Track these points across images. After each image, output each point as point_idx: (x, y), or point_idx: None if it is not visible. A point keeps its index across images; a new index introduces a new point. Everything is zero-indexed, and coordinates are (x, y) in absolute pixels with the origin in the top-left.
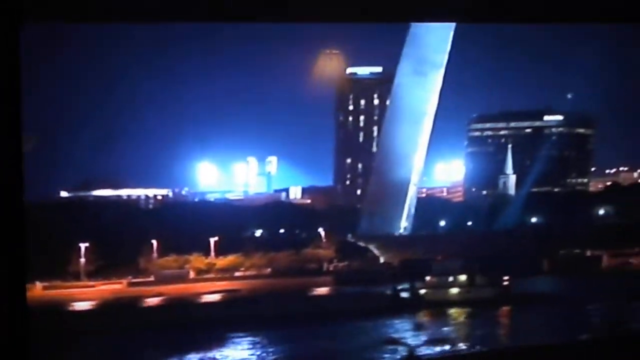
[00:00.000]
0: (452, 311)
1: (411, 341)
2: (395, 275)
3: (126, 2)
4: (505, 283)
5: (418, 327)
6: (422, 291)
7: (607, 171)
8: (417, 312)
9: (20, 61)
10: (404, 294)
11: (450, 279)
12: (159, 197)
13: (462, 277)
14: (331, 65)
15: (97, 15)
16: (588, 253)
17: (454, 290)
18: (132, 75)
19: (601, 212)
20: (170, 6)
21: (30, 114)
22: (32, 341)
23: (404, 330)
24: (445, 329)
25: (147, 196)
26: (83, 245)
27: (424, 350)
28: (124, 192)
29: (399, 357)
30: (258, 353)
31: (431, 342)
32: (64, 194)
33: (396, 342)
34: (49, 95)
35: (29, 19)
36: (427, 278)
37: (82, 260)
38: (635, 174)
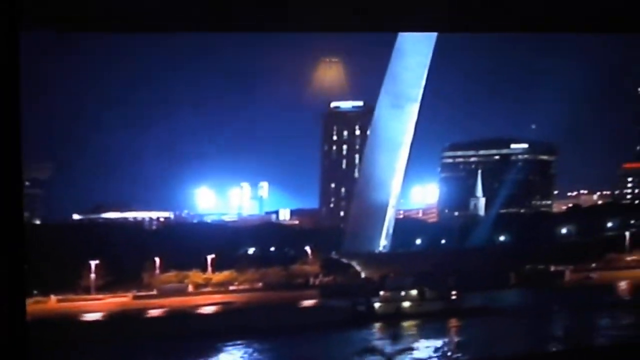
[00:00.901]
0: (405, 323)
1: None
2: (377, 289)
3: (126, 12)
4: (453, 297)
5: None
6: (377, 305)
7: (569, 194)
8: (372, 324)
9: (21, 73)
10: (361, 307)
11: (403, 293)
12: (162, 219)
13: (413, 292)
14: (316, 101)
15: (97, 25)
16: (552, 268)
17: (406, 304)
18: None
19: (563, 231)
20: (170, 16)
21: (44, 144)
22: (46, 348)
23: (365, 341)
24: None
25: (150, 218)
26: (93, 263)
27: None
28: (130, 215)
29: None
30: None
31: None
32: (76, 216)
33: (374, 350)
34: (59, 125)
35: (28, 27)
36: (381, 293)
37: (92, 275)
38: (595, 197)
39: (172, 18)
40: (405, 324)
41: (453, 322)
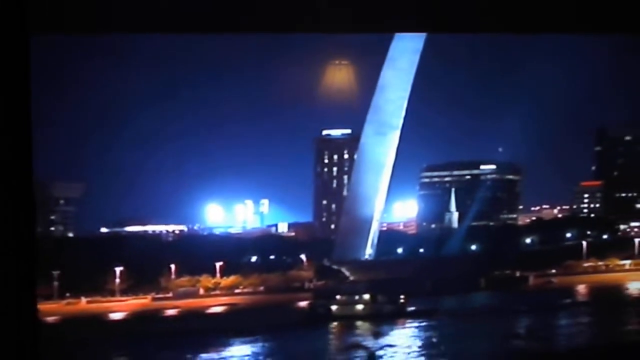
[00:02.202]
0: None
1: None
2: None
3: (132, 16)
4: (402, 301)
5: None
6: (334, 307)
7: (532, 208)
8: (330, 324)
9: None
10: (320, 309)
11: (357, 297)
12: (177, 231)
13: (366, 296)
14: (309, 127)
15: (105, 28)
16: (517, 274)
17: (359, 307)
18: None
19: (527, 240)
20: (176, 17)
21: (75, 166)
22: (77, 343)
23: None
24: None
25: (167, 231)
26: (118, 269)
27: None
28: (149, 228)
29: None
30: (253, 351)
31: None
32: (103, 229)
33: (359, 346)
34: (85, 147)
35: (38, 33)
36: (338, 297)
37: (117, 280)
38: (555, 211)
39: (177, 19)
40: (359, 323)
41: (400, 323)
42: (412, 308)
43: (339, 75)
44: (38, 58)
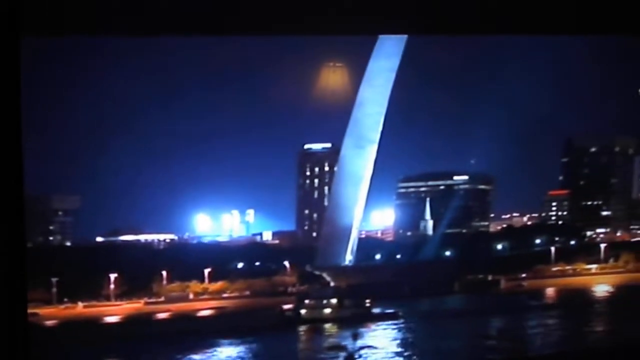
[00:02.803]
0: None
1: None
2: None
3: (128, 17)
4: (367, 305)
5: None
6: (303, 311)
7: (503, 216)
8: (298, 328)
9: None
10: (288, 313)
11: (325, 301)
12: (167, 240)
13: (334, 300)
14: (291, 141)
15: (99, 30)
16: (489, 277)
17: (327, 310)
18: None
19: (499, 246)
20: (173, 20)
21: (72, 180)
22: (72, 344)
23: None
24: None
25: (159, 240)
26: (112, 275)
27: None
28: (142, 237)
29: None
30: (238, 352)
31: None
32: (99, 239)
33: (339, 348)
34: (79, 160)
35: (29, 33)
36: (307, 301)
37: (112, 286)
38: (525, 218)
39: (175, 23)
40: (327, 326)
41: (367, 326)
42: (377, 311)
43: (332, 80)
44: (30, 64)
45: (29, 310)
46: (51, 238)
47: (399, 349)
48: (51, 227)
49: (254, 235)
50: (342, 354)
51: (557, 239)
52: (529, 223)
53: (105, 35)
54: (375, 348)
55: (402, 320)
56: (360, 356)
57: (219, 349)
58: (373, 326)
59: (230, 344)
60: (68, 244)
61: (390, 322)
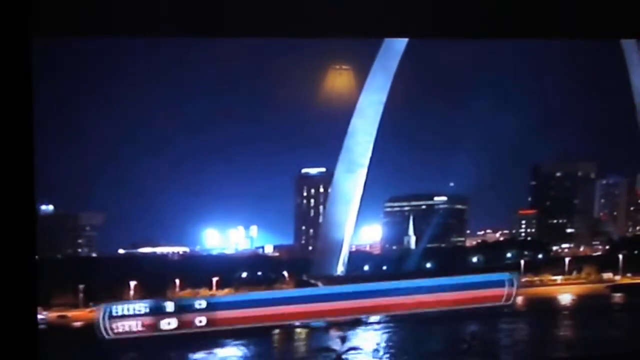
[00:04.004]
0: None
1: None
2: None
3: (131, 19)
4: None
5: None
6: None
7: (478, 232)
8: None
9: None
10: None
11: None
12: (181, 252)
13: None
14: (290, 165)
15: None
16: None
17: None
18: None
19: (474, 260)
20: (176, 21)
21: (99, 195)
22: (100, 342)
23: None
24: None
25: (173, 252)
26: (132, 283)
27: None
28: (158, 249)
29: None
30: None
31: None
32: (121, 250)
33: (327, 349)
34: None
35: (40, 35)
36: None
37: (132, 292)
38: (497, 235)
39: (178, 24)
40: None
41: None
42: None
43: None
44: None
45: (59, 313)
46: (79, 250)
47: (383, 351)
48: (80, 241)
49: (257, 248)
50: (331, 355)
51: (525, 252)
52: (501, 238)
53: (119, 37)
54: (361, 349)
55: (386, 324)
56: (347, 358)
57: (217, 349)
58: (360, 329)
59: (225, 345)
60: (94, 254)
61: (375, 325)
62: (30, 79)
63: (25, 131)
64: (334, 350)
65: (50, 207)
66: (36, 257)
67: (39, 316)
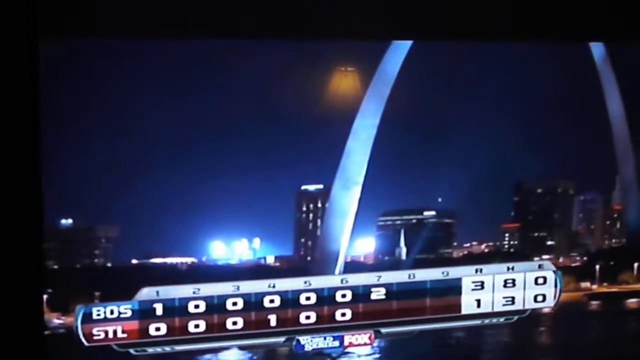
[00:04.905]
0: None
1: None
2: None
3: (137, 19)
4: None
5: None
6: None
7: (464, 245)
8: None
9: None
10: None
11: None
12: (189, 262)
13: None
14: (291, 182)
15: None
16: None
17: None
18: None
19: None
20: (179, 24)
21: (115, 212)
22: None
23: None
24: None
25: (181, 262)
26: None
27: None
28: (167, 260)
29: None
30: (224, 356)
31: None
32: (134, 261)
33: (322, 354)
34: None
35: (47, 37)
36: None
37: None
38: (482, 246)
39: (181, 27)
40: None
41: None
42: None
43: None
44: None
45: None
46: (96, 260)
47: (373, 354)
48: (96, 252)
49: (259, 258)
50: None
51: (507, 264)
52: (486, 250)
53: (131, 39)
54: (352, 354)
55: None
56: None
57: (216, 354)
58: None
59: (220, 349)
60: (109, 264)
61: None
62: (37, 88)
63: (35, 146)
64: (328, 355)
65: (70, 221)
66: (44, 263)
67: (59, 321)
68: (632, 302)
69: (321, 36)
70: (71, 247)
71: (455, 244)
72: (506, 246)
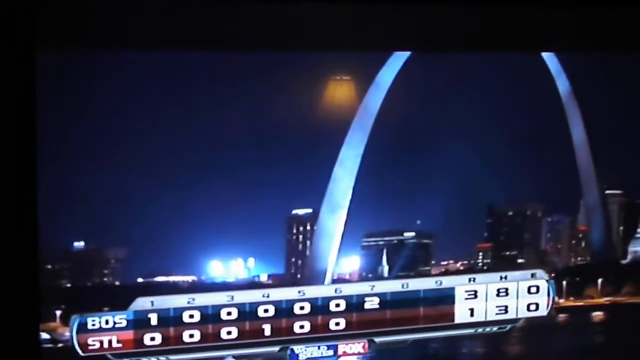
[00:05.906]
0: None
1: None
2: None
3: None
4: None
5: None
6: None
7: (442, 263)
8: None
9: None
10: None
11: None
12: (190, 281)
13: None
14: (282, 208)
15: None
16: None
17: None
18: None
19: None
20: (173, 35)
21: (122, 231)
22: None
23: None
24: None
25: (183, 281)
26: None
27: None
28: (170, 279)
29: None
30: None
31: None
32: (139, 280)
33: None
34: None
35: (44, 49)
36: None
37: None
38: (458, 265)
39: (176, 38)
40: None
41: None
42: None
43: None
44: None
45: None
46: (105, 280)
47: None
48: (105, 272)
49: (254, 277)
50: None
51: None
52: (462, 268)
53: (128, 50)
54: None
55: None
56: None
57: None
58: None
59: (215, 359)
60: (117, 283)
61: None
62: (35, 101)
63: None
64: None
65: (82, 244)
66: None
67: (69, 334)
68: (596, 315)
69: (311, 52)
70: (83, 268)
71: (433, 262)
72: (480, 264)
